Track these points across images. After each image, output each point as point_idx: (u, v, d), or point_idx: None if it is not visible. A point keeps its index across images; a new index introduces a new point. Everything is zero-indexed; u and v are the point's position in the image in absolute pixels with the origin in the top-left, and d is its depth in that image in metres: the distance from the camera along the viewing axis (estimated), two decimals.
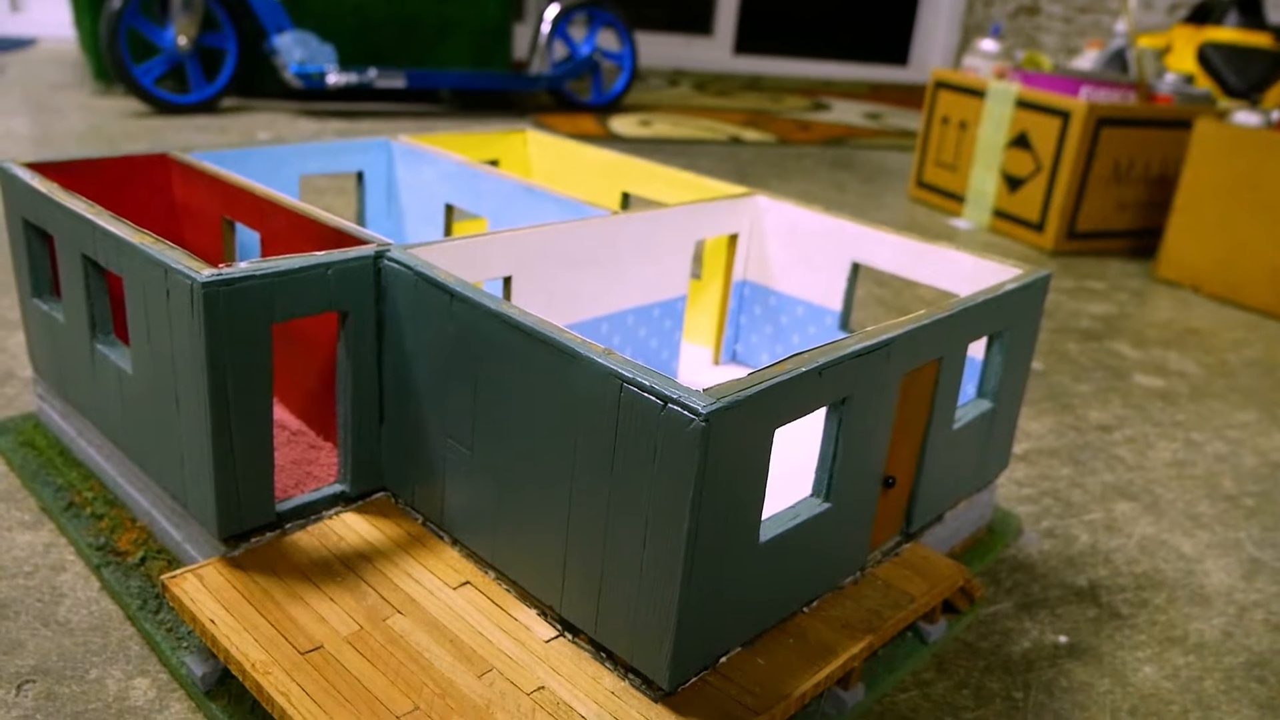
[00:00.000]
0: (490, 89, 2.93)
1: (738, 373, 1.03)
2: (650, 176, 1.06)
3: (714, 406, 0.50)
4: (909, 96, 4.10)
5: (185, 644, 0.65)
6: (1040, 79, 1.98)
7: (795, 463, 0.75)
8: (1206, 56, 2.31)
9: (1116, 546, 0.91)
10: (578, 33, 3.20)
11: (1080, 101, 1.84)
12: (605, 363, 0.54)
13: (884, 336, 0.61)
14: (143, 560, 0.73)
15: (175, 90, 2.52)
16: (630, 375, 0.52)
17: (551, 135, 1.18)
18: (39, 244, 0.81)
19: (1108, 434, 1.14)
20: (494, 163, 1.16)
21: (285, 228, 0.78)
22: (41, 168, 0.83)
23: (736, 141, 2.77)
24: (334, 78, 2.54)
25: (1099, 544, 0.91)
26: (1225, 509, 0.99)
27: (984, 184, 2.07)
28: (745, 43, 4.58)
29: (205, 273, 0.59)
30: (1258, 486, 1.05)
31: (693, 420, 0.50)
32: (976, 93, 2.08)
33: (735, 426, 0.51)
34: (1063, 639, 0.77)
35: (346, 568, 0.65)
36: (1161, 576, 0.86)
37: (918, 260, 0.88)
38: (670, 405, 0.51)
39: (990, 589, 0.82)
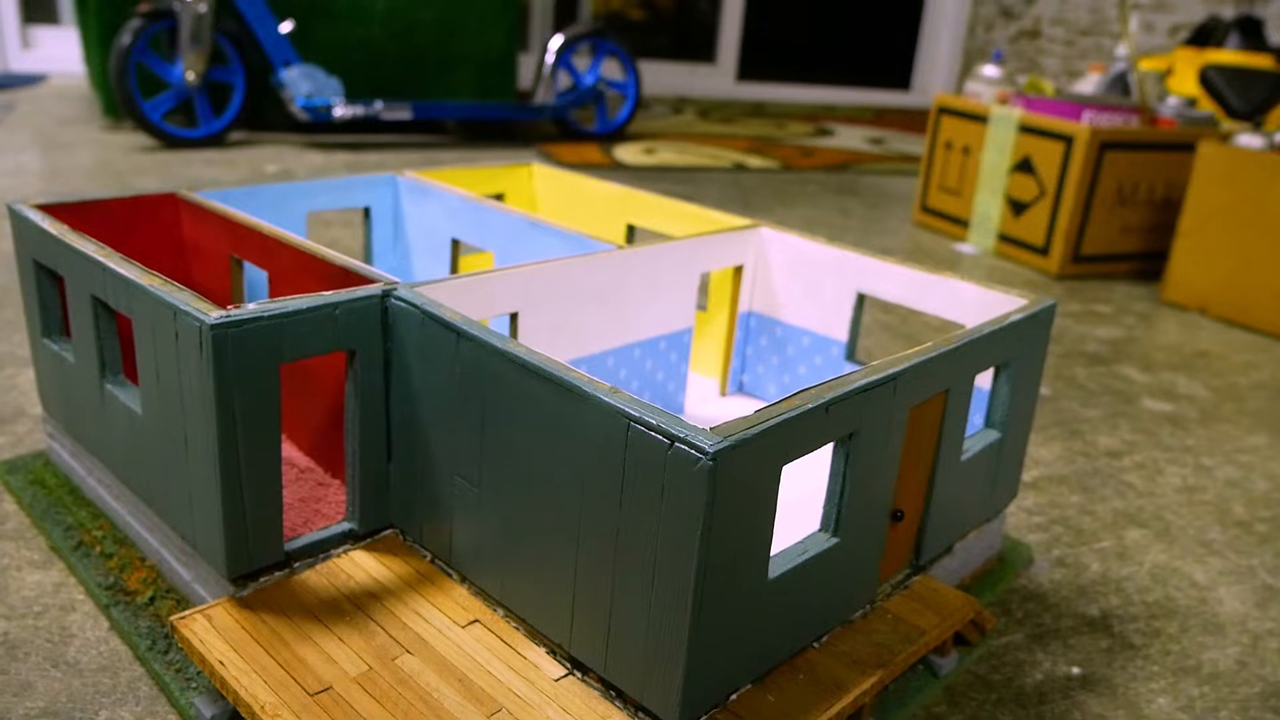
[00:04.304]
0: (495, 119, 2.95)
1: (745, 404, 1.03)
2: (655, 209, 1.06)
3: (721, 445, 0.50)
4: (912, 121, 4.12)
5: (194, 685, 0.65)
6: (1042, 104, 1.99)
7: (802, 492, 0.75)
8: (1208, 79, 2.31)
9: (1128, 575, 0.90)
10: (582, 62, 3.23)
11: (1083, 126, 1.85)
12: (612, 401, 0.54)
13: (890, 371, 0.61)
14: (152, 600, 0.73)
15: (184, 125, 2.54)
16: (637, 414, 0.53)
17: (557, 168, 1.19)
18: (49, 285, 0.82)
19: (1117, 460, 1.14)
20: (499, 197, 1.17)
21: (293, 266, 0.79)
22: (52, 209, 0.84)
23: (740, 168, 2.79)
24: (340, 110, 2.57)
25: (1110, 572, 0.90)
26: (1237, 535, 0.99)
27: (988, 209, 2.07)
28: (748, 70, 4.61)
29: (214, 314, 0.60)
30: (1270, 512, 1.04)
31: (700, 459, 0.50)
32: (979, 118, 2.09)
33: (743, 464, 0.51)
34: (1075, 670, 0.76)
35: (355, 607, 0.65)
36: (1174, 605, 0.86)
37: (923, 291, 0.88)
38: (677, 444, 0.51)
39: (1001, 620, 0.82)
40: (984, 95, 2.18)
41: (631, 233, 1.11)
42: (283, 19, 2.60)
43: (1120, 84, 2.38)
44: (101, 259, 0.70)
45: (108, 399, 0.74)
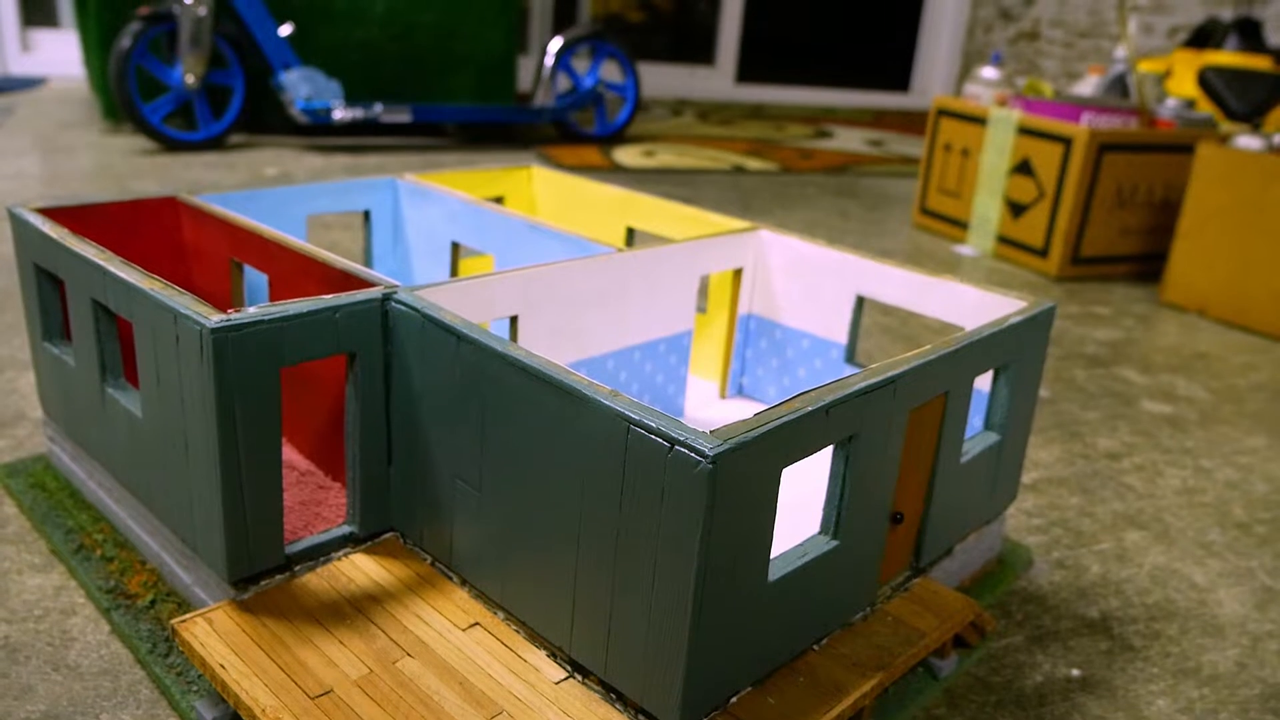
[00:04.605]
0: (495, 122, 2.95)
1: (745, 407, 1.03)
2: (654, 211, 1.07)
3: (721, 448, 0.50)
4: (911, 123, 4.12)
5: (195, 688, 0.65)
6: (1041, 106, 1.99)
7: (802, 494, 0.75)
8: (1207, 80, 2.32)
9: (1127, 577, 0.90)
10: (581, 65, 3.23)
11: (1082, 127, 1.85)
12: (612, 404, 0.54)
13: (890, 373, 0.61)
14: (153, 603, 0.73)
15: (183, 128, 2.54)
16: (637, 417, 0.53)
17: (556, 171, 1.19)
18: (50, 288, 0.82)
19: (1116, 462, 1.14)
20: (499, 200, 1.17)
21: (293, 270, 0.79)
22: (52, 213, 0.84)
23: (740, 170, 2.79)
24: (340, 113, 2.57)
25: (1110, 574, 0.90)
26: (1236, 537, 0.99)
27: (987, 210, 2.07)
28: (747, 72, 4.61)
29: (214, 318, 0.60)
30: (1269, 514, 1.04)
31: (700, 462, 0.50)
32: (978, 120, 2.09)
33: (742, 467, 0.52)
34: (1075, 672, 0.76)
35: (356, 610, 0.65)
36: (1173, 607, 0.86)
37: (922, 293, 0.88)
38: (677, 447, 0.51)
39: (1001, 622, 0.82)
40: (983, 97, 2.18)
41: (631, 235, 1.11)
42: (282, 22, 2.60)
43: (1119, 86, 2.38)
44: (101, 263, 0.70)
45: (108, 402, 0.74)
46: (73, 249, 0.73)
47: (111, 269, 0.69)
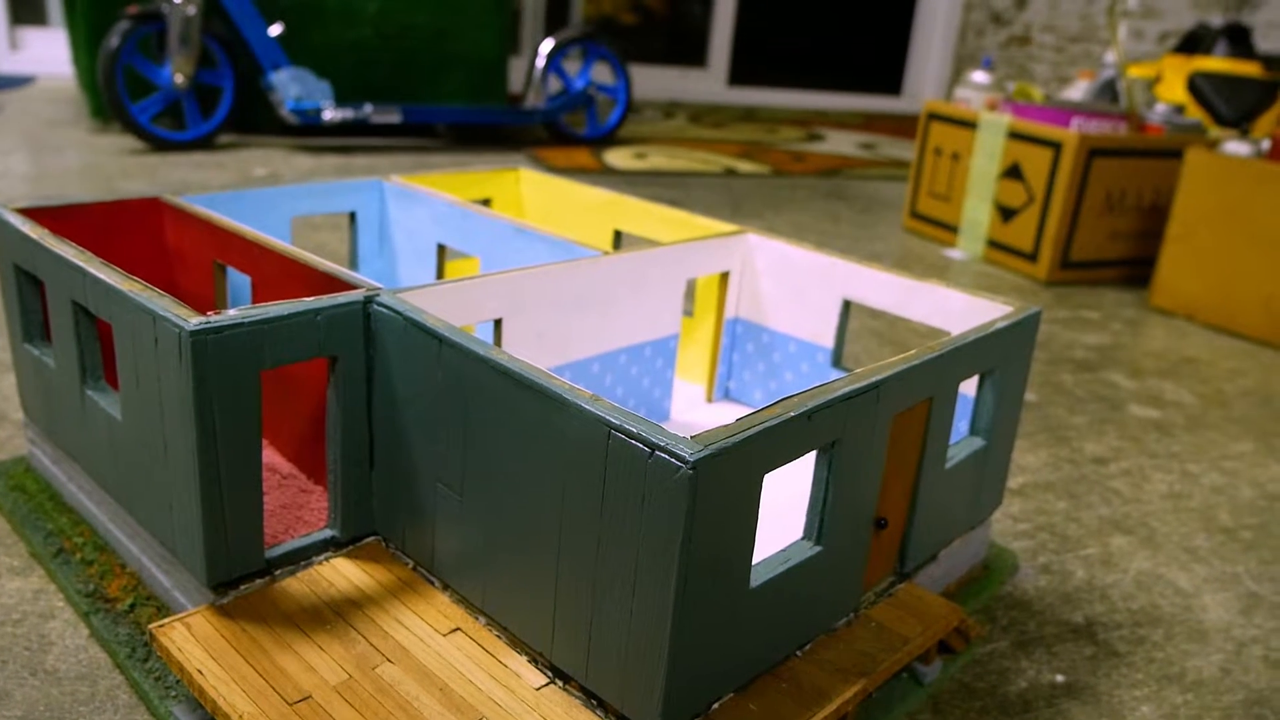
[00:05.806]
0: (485, 123, 2.94)
1: (731, 411, 1.03)
2: (642, 214, 1.06)
3: (701, 454, 0.49)
4: (902, 126, 4.12)
5: (174, 693, 0.65)
6: (1031, 110, 1.99)
7: (786, 497, 0.74)
8: (1196, 86, 2.32)
9: (1113, 582, 0.90)
10: (572, 66, 3.22)
11: (1071, 132, 1.85)
12: (593, 409, 0.54)
13: (873, 378, 0.61)
14: (132, 607, 0.72)
15: (172, 127, 2.53)
16: (618, 422, 0.52)
17: (544, 174, 1.18)
18: (30, 289, 0.81)
19: (1103, 466, 1.14)
20: (486, 202, 1.17)
21: (276, 272, 0.78)
22: (33, 213, 0.83)
23: (731, 173, 2.79)
24: (330, 114, 2.56)
25: (1095, 579, 0.90)
26: (1222, 542, 0.99)
27: (977, 214, 2.07)
28: (739, 74, 4.61)
29: (193, 321, 0.59)
30: (1255, 519, 1.04)
31: (680, 468, 0.49)
32: (968, 124, 2.09)
33: (724, 473, 0.51)
34: (1060, 678, 0.76)
35: (336, 615, 0.64)
36: (1159, 612, 0.86)
37: (909, 298, 0.88)
38: (658, 453, 0.50)
39: (986, 627, 0.81)
40: (973, 101, 2.18)
41: (618, 238, 1.11)
42: (272, 21, 2.59)
43: (1109, 91, 2.38)
44: (81, 264, 0.69)
45: (88, 405, 0.74)
46: (52, 250, 0.73)
47: (91, 270, 0.68)
